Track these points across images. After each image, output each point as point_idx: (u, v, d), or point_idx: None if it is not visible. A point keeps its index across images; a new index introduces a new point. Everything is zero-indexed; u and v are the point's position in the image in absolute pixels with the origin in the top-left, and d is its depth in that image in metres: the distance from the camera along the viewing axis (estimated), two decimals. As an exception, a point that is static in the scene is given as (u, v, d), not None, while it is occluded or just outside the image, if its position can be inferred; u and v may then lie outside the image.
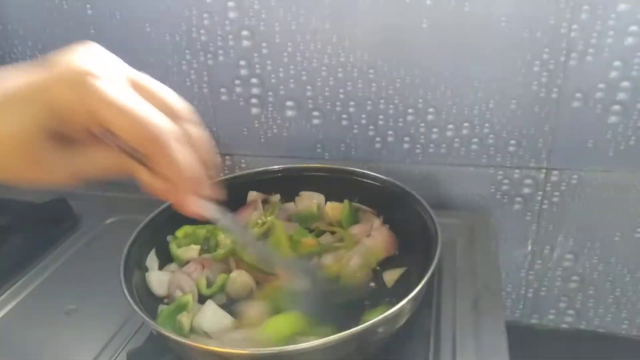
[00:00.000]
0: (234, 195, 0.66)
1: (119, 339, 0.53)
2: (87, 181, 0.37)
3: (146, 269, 0.57)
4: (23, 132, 0.33)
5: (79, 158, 0.36)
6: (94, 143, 0.36)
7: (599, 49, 0.63)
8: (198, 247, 0.60)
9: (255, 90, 0.75)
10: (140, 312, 0.45)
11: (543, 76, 0.66)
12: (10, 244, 0.71)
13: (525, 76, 0.66)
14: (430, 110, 0.71)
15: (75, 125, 0.34)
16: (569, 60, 0.64)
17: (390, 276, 0.58)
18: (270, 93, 0.75)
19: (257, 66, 0.74)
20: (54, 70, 0.33)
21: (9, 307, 0.60)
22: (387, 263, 0.60)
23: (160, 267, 0.59)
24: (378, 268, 0.59)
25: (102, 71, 0.33)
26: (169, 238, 0.62)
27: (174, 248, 0.60)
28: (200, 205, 0.39)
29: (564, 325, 0.80)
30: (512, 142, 0.70)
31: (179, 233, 0.61)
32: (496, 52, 0.65)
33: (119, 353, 0.51)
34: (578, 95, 0.66)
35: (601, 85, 0.64)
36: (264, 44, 0.72)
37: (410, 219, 0.59)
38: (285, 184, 0.68)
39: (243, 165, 0.82)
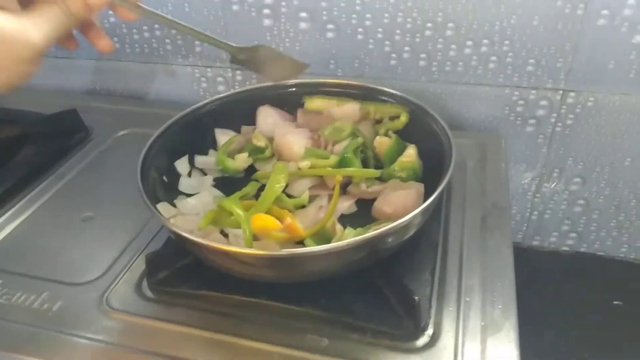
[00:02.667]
0: (246, 109, 0.66)
1: (137, 244, 0.55)
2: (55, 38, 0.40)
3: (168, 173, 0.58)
4: None
5: (33, 15, 0.38)
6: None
7: (632, -38, 0.59)
8: (246, 155, 0.62)
9: (268, 0, 0.72)
10: (156, 212, 0.46)
11: (570, -10, 0.63)
12: (22, 154, 0.72)
13: (551, -10, 0.63)
14: (450, 25, 0.68)
15: None
16: (600, -26, 0.61)
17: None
18: (283, 3, 0.72)
19: (270, -27, 0.70)
20: None
21: (25, 215, 0.61)
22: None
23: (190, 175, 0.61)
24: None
25: None
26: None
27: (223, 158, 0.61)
28: None
29: (565, 248, 0.82)
30: (531, 61, 0.68)
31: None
32: (523, -36, 0.62)
33: (137, 257, 0.53)
34: (605, 12, 0.63)
35: (631, 2, 0.62)
36: (277, -51, 0.68)
37: (424, 135, 0.59)
38: (299, 99, 0.67)
39: (254, 80, 0.81)
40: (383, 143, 0.61)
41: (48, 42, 0.39)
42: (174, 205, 0.55)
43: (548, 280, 0.77)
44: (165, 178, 0.57)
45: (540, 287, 0.72)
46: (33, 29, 0.37)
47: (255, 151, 0.63)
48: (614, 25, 0.63)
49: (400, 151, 0.59)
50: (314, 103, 0.66)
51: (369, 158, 0.61)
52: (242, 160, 0.62)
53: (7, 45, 0.37)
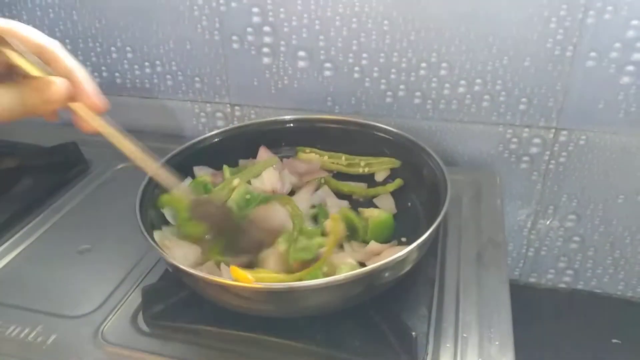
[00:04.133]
0: (243, 144, 0.67)
1: (134, 277, 0.55)
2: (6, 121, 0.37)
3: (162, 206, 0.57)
4: None
5: None
6: None
7: (617, 7, 0.62)
8: None
9: (267, 39, 0.75)
10: (154, 245, 0.46)
11: (559, 34, 0.65)
12: (20, 185, 0.72)
13: (541, 33, 0.65)
14: (444, 65, 0.70)
15: None
16: (587, 18, 0.63)
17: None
18: (282, 42, 0.74)
19: (270, 14, 0.73)
20: None
21: (21, 247, 0.61)
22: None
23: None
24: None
25: None
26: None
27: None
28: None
29: (562, 285, 0.82)
30: (524, 100, 0.70)
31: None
32: (513, 8, 0.65)
33: (133, 290, 0.53)
34: (593, 54, 0.65)
35: (617, 45, 0.64)
36: (277, -9, 0.71)
37: (419, 171, 0.60)
38: (297, 135, 0.69)
39: (252, 116, 0.82)
40: (373, 217, 0.57)
41: None
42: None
43: (545, 317, 0.76)
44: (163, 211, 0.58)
45: (537, 324, 0.72)
46: None
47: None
48: (602, 66, 0.66)
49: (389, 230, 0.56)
50: (306, 155, 0.68)
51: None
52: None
53: None
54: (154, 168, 0.48)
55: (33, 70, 0.38)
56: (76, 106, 0.40)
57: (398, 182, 0.64)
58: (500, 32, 0.66)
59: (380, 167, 0.66)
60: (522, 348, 0.46)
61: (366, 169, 0.67)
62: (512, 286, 0.53)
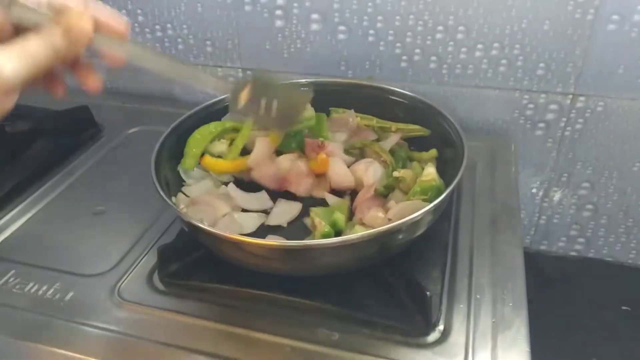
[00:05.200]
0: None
1: (149, 237, 0.55)
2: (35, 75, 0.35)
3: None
4: None
5: (12, 49, 0.34)
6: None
7: (643, -32, 0.60)
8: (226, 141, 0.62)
9: (280, 1, 0.73)
10: (170, 202, 0.46)
11: (580, -5, 0.63)
12: (33, 149, 0.72)
13: (562, -5, 0.64)
14: (461, 28, 0.69)
15: None
16: (610, -21, 0.61)
17: None
18: (295, 4, 0.73)
19: (283, -25, 0.71)
20: None
21: (36, 209, 0.62)
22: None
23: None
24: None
25: None
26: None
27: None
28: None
29: (573, 253, 0.82)
30: (541, 65, 0.69)
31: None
32: (534, -32, 0.63)
33: (149, 250, 0.54)
34: (615, 17, 0.63)
35: (640, 8, 0.62)
36: (291, -49, 0.69)
37: (435, 134, 0.59)
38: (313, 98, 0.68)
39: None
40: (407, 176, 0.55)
41: (21, 77, 0.34)
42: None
43: (556, 285, 0.77)
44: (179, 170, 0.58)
45: (547, 292, 0.72)
46: (6, 64, 0.33)
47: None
48: (624, 30, 0.64)
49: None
50: (340, 115, 0.66)
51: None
52: (220, 146, 0.60)
53: None
54: (197, 75, 0.44)
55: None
56: (99, 40, 0.38)
57: (433, 152, 0.60)
58: (519, -6, 0.65)
59: (410, 133, 0.63)
60: (532, 315, 0.46)
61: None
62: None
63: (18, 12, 0.36)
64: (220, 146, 0.61)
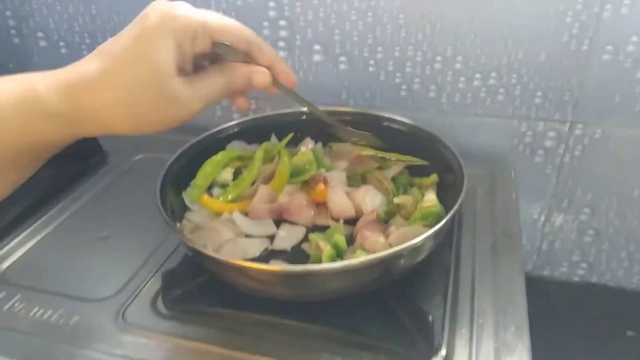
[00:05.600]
0: (259, 135, 0.68)
1: (153, 262, 0.56)
2: (211, 104, 0.42)
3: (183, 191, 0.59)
4: (158, 72, 0.37)
5: (203, 83, 0.41)
6: (207, 68, 0.42)
7: (634, 1, 0.62)
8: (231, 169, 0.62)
9: (283, 33, 0.76)
10: (174, 228, 0.47)
11: (575, 27, 0.65)
12: (39, 175, 0.73)
13: (556, 27, 0.66)
14: (459, 58, 0.71)
15: (194, 48, 0.40)
16: (603, 12, 0.63)
17: None
18: (297, 36, 0.75)
19: (286, 8, 0.73)
20: (154, 15, 0.38)
21: (42, 234, 0.62)
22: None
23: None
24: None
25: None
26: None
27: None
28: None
29: (576, 279, 0.82)
30: (539, 93, 0.70)
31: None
32: (528, 2, 0.65)
33: (153, 274, 0.54)
34: (609, 47, 0.65)
35: (634, 39, 0.64)
36: (294, -14, 0.72)
37: (435, 162, 0.60)
38: (312, 128, 0.69)
39: (267, 109, 0.83)
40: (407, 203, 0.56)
41: (204, 108, 0.41)
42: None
43: (559, 310, 0.76)
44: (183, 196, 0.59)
45: (551, 317, 0.72)
46: (198, 100, 0.40)
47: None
48: (618, 60, 0.66)
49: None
50: (339, 147, 0.67)
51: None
52: (226, 174, 0.62)
53: (172, 108, 0.39)
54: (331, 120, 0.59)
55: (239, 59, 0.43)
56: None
57: (434, 177, 0.61)
58: (515, 26, 0.67)
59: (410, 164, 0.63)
60: (536, 340, 0.46)
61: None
62: (525, 279, 0.53)
63: (222, 51, 0.42)
64: (226, 175, 0.62)
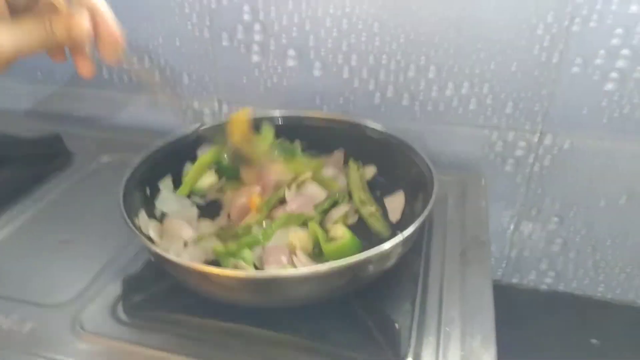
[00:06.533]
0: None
1: (114, 267, 0.54)
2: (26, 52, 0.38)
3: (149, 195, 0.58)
4: None
5: (15, 29, 0.38)
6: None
7: (602, 15, 0.63)
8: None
9: (257, 37, 0.75)
10: (134, 229, 0.46)
11: (546, 40, 0.66)
12: (0, 175, 0.71)
13: (528, 39, 0.67)
14: (432, 67, 0.71)
15: None
16: (572, 25, 0.65)
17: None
18: (272, 41, 0.75)
19: (260, 12, 0.73)
20: None
21: (0, 236, 0.60)
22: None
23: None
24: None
25: None
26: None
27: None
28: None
29: (543, 287, 0.83)
30: (510, 104, 0.71)
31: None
32: (501, 13, 0.66)
33: (114, 280, 0.52)
34: (578, 60, 0.66)
35: (601, 52, 0.65)
36: (269, -11, 0.71)
37: (406, 169, 0.60)
38: (284, 132, 0.68)
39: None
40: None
41: (17, 52, 0.38)
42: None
43: (526, 318, 0.77)
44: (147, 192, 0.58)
45: (518, 324, 0.72)
46: (5, 36, 0.37)
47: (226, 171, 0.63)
48: (587, 73, 0.67)
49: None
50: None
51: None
52: (208, 179, 0.62)
53: None
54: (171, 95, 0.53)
55: (60, 5, 0.39)
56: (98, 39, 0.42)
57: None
58: (488, 38, 0.67)
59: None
60: (503, 348, 0.46)
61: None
62: (494, 287, 0.53)
63: None
64: (209, 178, 0.62)
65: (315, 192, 0.60)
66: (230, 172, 0.62)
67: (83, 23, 0.40)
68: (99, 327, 0.47)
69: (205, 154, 0.62)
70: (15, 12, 0.39)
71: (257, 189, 0.58)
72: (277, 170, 0.59)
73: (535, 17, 0.65)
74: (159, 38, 0.79)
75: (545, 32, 0.66)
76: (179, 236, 0.51)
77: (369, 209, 0.60)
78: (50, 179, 0.71)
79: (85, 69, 0.44)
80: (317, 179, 0.62)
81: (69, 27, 0.39)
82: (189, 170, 0.62)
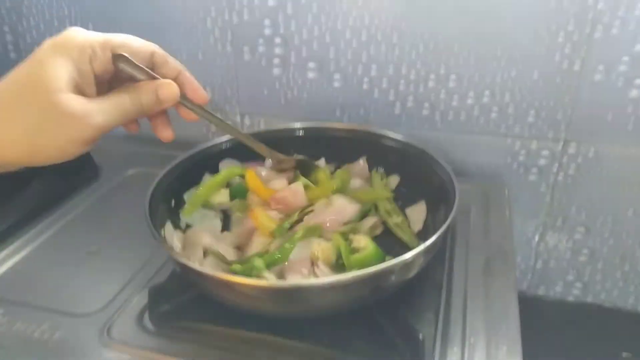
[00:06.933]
0: (252, 150, 0.68)
1: (141, 278, 0.55)
2: (120, 123, 0.41)
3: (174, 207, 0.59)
4: (44, 88, 0.36)
5: (103, 98, 0.40)
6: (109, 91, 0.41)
7: (625, 22, 0.63)
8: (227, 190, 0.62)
9: (278, 50, 0.76)
10: (159, 240, 0.46)
11: (567, 47, 0.66)
12: (30, 189, 0.73)
13: (549, 47, 0.66)
14: (452, 77, 0.71)
15: (94, 66, 0.39)
16: (594, 32, 0.64)
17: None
18: (292, 53, 0.76)
19: (281, 26, 0.74)
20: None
21: (30, 248, 0.62)
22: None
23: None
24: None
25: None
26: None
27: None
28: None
29: (571, 298, 0.81)
30: (532, 112, 0.70)
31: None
32: (521, 21, 0.66)
33: (141, 290, 0.53)
34: (600, 67, 0.66)
35: (625, 59, 0.64)
36: (289, 4, 0.72)
37: (427, 179, 0.60)
38: (306, 144, 0.69)
39: (261, 125, 0.83)
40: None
41: (109, 127, 0.39)
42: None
43: (554, 330, 0.75)
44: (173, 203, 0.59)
45: (545, 337, 0.71)
46: (98, 114, 0.38)
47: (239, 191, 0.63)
48: (610, 80, 0.66)
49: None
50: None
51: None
52: (221, 196, 0.61)
53: (68, 126, 0.37)
54: (247, 139, 0.57)
55: (144, 77, 0.42)
56: (182, 101, 0.45)
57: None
58: (508, 45, 0.67)
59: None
60: (530, 360, 0.46)
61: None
62: (519, 298, 0.53)
63: (123, 66, 0.41)
64: (221, 197, 0.61)
65: (344, 206, 0.58)
66: (243, 193, 0.62)
67: (173, 88, 0.42)
68: (126, 336, 0.48)
69: (214, 177, 0.62)
70: (101, 85, 0.41)
71: (272, 213, 0.57)
72: (299, 193, 0.59)
73: (556, 25, 0.65)
74: (182, 53, 0.81)
75: (566, 39, 0.65)
76: (200, 245, 0.52)
77: (395, 220, 0.60)
78: (79, 192, 0.73)
79: (166, 133, 0.47)
80: (346, 192, 0.61)
81: (158, 94, 0.42)
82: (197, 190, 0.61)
